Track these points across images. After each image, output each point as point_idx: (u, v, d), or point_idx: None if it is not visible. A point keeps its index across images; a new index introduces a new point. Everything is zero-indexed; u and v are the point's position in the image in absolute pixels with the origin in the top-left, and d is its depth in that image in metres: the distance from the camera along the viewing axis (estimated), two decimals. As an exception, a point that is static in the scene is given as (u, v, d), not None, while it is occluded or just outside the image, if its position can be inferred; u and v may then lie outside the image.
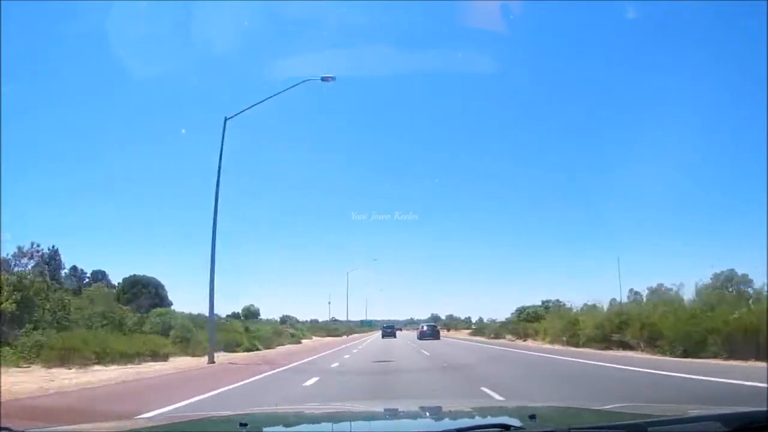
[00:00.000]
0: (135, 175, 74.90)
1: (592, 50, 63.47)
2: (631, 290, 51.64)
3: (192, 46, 51.62)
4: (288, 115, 72.81)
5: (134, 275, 57.79)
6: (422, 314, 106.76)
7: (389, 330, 60.24)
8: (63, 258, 53.37)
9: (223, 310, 52.42)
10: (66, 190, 65.30)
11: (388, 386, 10.76)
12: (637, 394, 7.82)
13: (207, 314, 39.83)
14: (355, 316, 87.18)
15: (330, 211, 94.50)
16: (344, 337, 63.97)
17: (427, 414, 3.39)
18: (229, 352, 26.81)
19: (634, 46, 63.21)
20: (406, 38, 58.62)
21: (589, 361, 14.83)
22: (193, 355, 24.29)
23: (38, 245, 39.35)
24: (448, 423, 2.82)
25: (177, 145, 72.38)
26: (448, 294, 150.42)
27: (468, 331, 70.10)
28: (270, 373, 13.35)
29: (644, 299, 49.55)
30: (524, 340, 34.56)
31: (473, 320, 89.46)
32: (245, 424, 2.40)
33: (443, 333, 64.08)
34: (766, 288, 20.61)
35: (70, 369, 16.89)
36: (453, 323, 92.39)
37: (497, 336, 41.05)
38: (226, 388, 10.26)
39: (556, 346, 25.99)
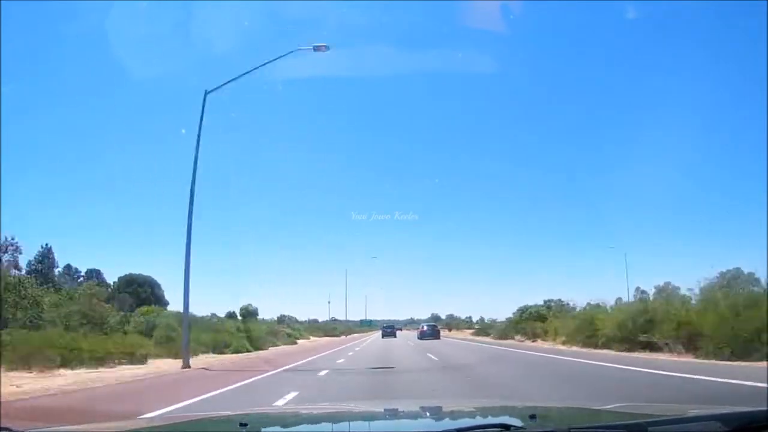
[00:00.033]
0: (135, 175, 75.37)
1: (592, 50, 64.31)
2: (637, 289, 50.58)
3: (192, 46, 51.74)
4: (288, 115, 73.49)
5: (130, 274, 58.50)
6: (422, 314, 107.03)
7: (389, 330, 59.69)
8: (61, 257, 53.66)
9: (223, 309, 53.77)
10: (65, 190, 65.77)
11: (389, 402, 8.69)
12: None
13: (206, 314, 37.90)
14: (355, 316, 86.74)
15: (330, 211, 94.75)
16: (343, 337, 62.14)
17: (427, 414, 3.37)
18: (217, 353, 24.82)
19: (634, 46, 63.80)
20: (406, 38, 58.71)
21: (633, 368, 12.29)
22: (176, 357, 22.33)
23: (13, 239, 37.69)
24: (448, 423, 2.82)
25: (177, 145, 70.71)
26: (448, 294, 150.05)
27: (470, 331, 68.79)
28: (244, 382, 11.24)
29: (651, 298, 49.42)
30: (533, 341, 32.48)
31: (474, 320, 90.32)
32: (245, 424, 2.39)
33: (444, 333, 63.68)
34: (766, 288, 20.03)
35: (31, 372, 15.10)
36: (454, 323, 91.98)
37: (504, 336, 38.90)
38: (179, 405, 8.07)
39: (573, 348, 23.91)
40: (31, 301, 23.44)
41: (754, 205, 61.72)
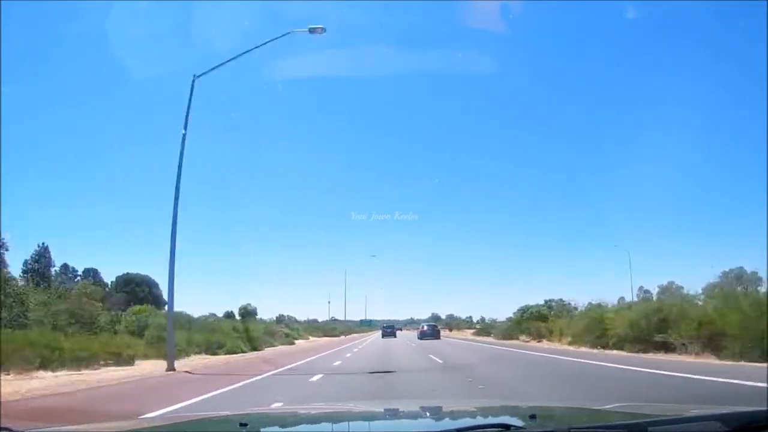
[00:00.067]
0: (135, 175, 75.43)
1: (592, 50, 64.57)
2: (641, 288, 50.35)
3: (192, 46, 50.97)
4: (288, 115, 73.53)
5: (127, 273, 58.29)
6: (422, 314, 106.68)
7: (389, 330, 59.24)
8: (61, 257, 53.80)
9: (223, 309, 53.77)
10: (65, 189, 66.00)
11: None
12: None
13: (204, 314, 36.79)
14: (355, 316, 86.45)
15: (330, 211, 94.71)
16: (342, 337, 61.12)
17: (428, 414, 3.35)
18: (211, 354, 23.80)
19: (634, 46, 63.81)
20: (406, 38, 59.12)
21: (662, 371, 11.09)
22: (167, 358, 21.37)
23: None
24: (448, 423, 2.81)
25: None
26: (448, 294, 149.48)
27: (471, 331, 67.96)
28: (224, 390, 10.12)
29: (654, 297, 48.70)
30: (538, 341, 31.43)
31: (474, 320, 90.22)
32: (245, 424, 2.39)
33: (445, 333, 63.49)
34: (766, 287, 20.42)
35: (9, 375, 14.11)
36: (454, 323, 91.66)
37: (508, 336, 37.82)
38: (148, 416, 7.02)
39: (581, 348, 22.85)
40: (15, 300, 22.48)
41: (754, 205, 62.83)
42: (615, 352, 20.12)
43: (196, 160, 66.43)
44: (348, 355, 22.89)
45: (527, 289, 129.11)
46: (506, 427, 2.04)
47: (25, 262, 50.98)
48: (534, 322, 35.96)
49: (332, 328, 72.53)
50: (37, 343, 16.04)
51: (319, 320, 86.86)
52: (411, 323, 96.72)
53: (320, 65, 39.21)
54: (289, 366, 16.51)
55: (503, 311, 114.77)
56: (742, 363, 12.66)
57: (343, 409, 3.96)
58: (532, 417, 2.45)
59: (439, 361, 17.25)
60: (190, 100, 15.31)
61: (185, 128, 15.15)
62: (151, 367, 16.22)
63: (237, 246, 78.51)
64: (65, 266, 56.54)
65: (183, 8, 46.65)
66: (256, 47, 16.16)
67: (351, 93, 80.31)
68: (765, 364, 11.93)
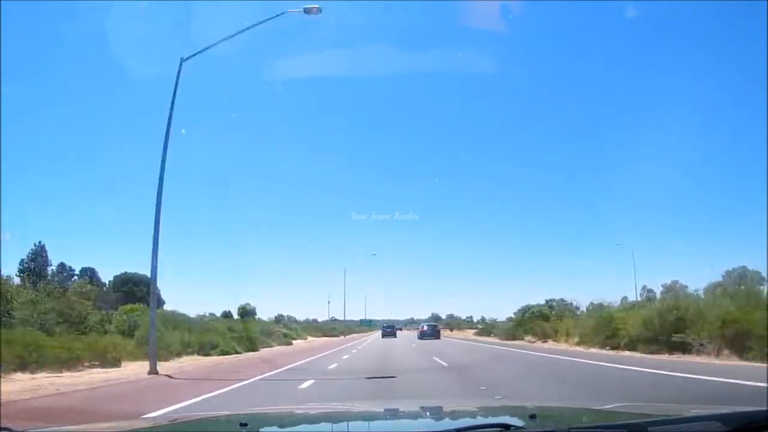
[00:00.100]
0: (135, 175, 72.25)
1: (592, 50, 63.64)
2: (644, 287, 50.02)
3: (192, 46, 50.20)
4: (288, 115, 72.14)
5: (125, 273, 57.28)
6: (422, 314, 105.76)
7: (389, 330, 58.76)
8: (61, 256, 55.09)
9: (223, 309, 53.50)
10: (65, 189, 65.12)
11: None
12: None
13: (201, 313, 35.69)
14: (355, 316, 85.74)
15: (330, 211, 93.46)
16: (341, 337, 60.13)
17: (428, 414, 3.34)
18: (203, 355, 22.82)
19: (634, 46, 63.43)
20: (406, 38, 58.53)
21: (694, 376, 10.08)
22: (158, 359, 20.34)
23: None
24: (448, 423, 2.81)
25: (177, 145, 68.87)
26: (448, 294, 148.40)
27: (473, 331, 67.08)
28: (203, 397, 9.06)
29: (658, 296, 48.05)
30: (544, 342, 30.41)
31: (474, 320, 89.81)
32: (245, 424, 2.40)
33: (446, 333, 63.35)
34: (766, 287, 19.94)
35: (-15, 377, 13.12)
36: (455, 323, 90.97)
37: (512, 336, 36.79)
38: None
39: (591, 350, 21.84)
40: (1, 298, 21.54)
41: (754, 205, 62.26)
42: (628, 353, 19.14)
43: (196, 160, 67.30)
44: (345, 356, 21.74)
45: (527, 289, 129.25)
46: (506, 427, 2.04)
47: (21, 261, 50.53)
48: (539, 322, 34.94)
49: (332, 328, 71.85)
50: (17, 343, 15.07)
51: (319, 320, 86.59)
52: (411, 323, 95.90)
53: (320, 65, 38.83)
54: (279, 369, 15.40)
55: (503, 311, 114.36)
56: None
57: (342, 409, 3.97)
58: (532, 417, 2.45)
59: (444, 363, 16.03)
60: (176, 83, 14.40)
61: (171, 111, 14.21)
62: (135, 370, 15.24)
63: (237, 246, 77.61)
64: (62, 265, 55.54)
65: (183, 8, 45.98)
66: (248, 27, 15.13)
67: (351, 93, 78.95)
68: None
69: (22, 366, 14.46)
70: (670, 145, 54.60)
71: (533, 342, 30.82)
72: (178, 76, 14.36)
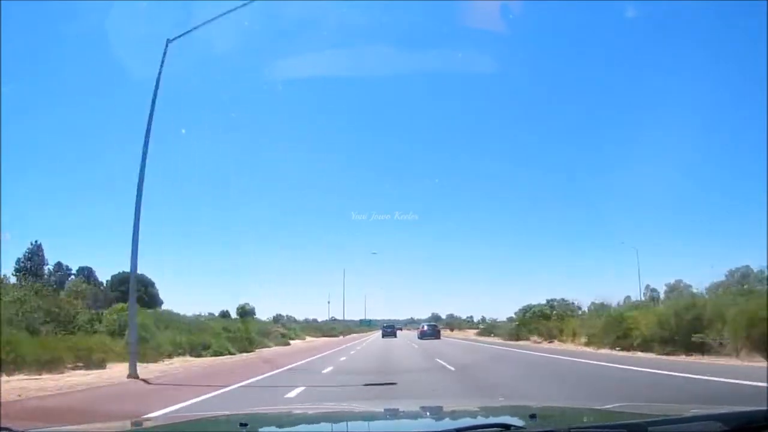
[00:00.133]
0: (135, 175, 72.34)
1: (592, 50, 63.24)
2: (647, 287, 49.56)
3: (192, 46, 50.29)
4: (288, 115, 71.87)
5: (123, 272, 56.10)
6: (422, 314, 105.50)
7: (389, 330, 58.44)
8: (60, 256, 55.23)
9: (223, 309, 53.41)
10: (65, 189, 65.28)
11: None
12: None
13: (200, 313, 34.50)
14: (355, 316, 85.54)
15: (330, 211, 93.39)
16: (340, 337, 59.13)
17: (428, 414, 3.34)
18: (195, 356, 21.82)
19: (634, 46, 62.89)
20: (406, 38, 58.32)
21: (735, 381, 9.17)
22: (146, 360, 19.39)
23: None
24: (448, 423, 2.80)
25: (177, 145, 70.35)
26: (448, 294, 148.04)
27: (474, 331, 66.26)
28: (182, 405, 8.05)
29: (662, 296, 47.37)
30: (550, 342, 29.40)
31: (474, 319, 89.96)
32: (245, 424, 2.39)
33: (446, 333, 63.21)
34: (766, 287, 19.47)
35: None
36: (456, 323, 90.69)
37: (516, 337, 35.76)
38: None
39: (602, 350, 20.83)
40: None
41: (754, 205, 62.11)
42: (642, 354, 18.16)
43: (196, 160, 67.64)
44: (342, 358, 20.49)
45: (527, 288, 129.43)
46: (506, 426, 2.03)
47: (18, 261, 50.22)
48: (543, 321, 33.96)
49: (331, 328, 71.07)
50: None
51: (319, 320, 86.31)
52: (411, 323, 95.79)
53: (320, 65, 38.53)
54: (269, 373, 14.12)
55: (503, 311, 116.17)
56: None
57: (342, 409, 3.93)
58: (532, 417, 2.45)
59: (450, 368, 14.53)
60: (161, 65, 13.47)
61: (155, 95, 13.25)
62: (118, 372, 14.26)
63: (237, 246, 79.05)
64: (59, 264, 55.91)
65: (183, 8, 45.93)
66: (236, 7, 13.99)
67: (351, 93, 78.41)
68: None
69: (-1, 368, 13.54)
70: (670, 145, 54.62)
71: (539, 342, 29.74)
72: (163, 59, 13.40)
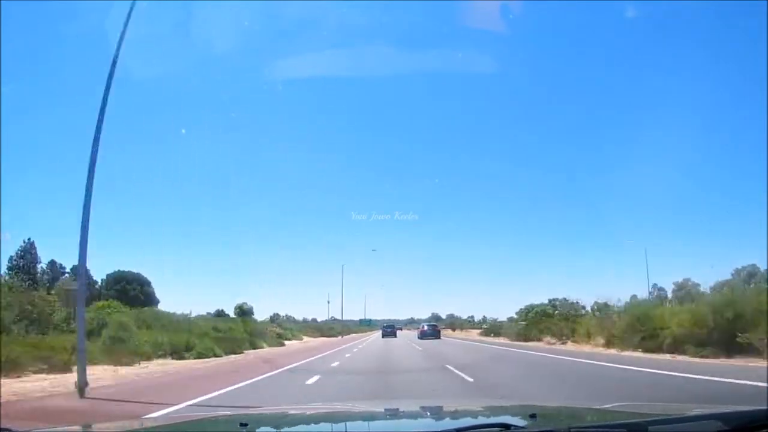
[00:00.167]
0: (135, 175, 74.94)
1: (592, 50, 63.26)
2: (654, 286, 48.93)
3: (192, 46, 50.40)
4: (288, 115, 71.76)
5: (119, 271, 56.43)
6: (422, 314, 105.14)
7: (389, 329, 57.79)
8: (60, 256, 52.65)
9: (224, 310, 52.76)
10: (65, 190, 62.86)
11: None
12: None
13: (194, 312, 32.53)
14: (355, 316, 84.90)
15: (330, 211, 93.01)
16: (339, 337, 57.22)
17: (428, 414, 3.33)
18: (177, 358, 19.87)
19: (634, 46, 63.55)
20: (406, 38, 58.16)
21: None
22: (120, 363, 17.45)
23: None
24: (448, 423, 2.80)
25: (177, 145, 72.11)
26: (449, 294, 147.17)
27: (477, 331, 64.49)
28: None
29: (669, 295, 46.12)
30: (563, 343, 27.35)
31: (476, 319, 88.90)
32: (245, 424, 2.39)
33: (447, 333, 62.92)
34: (766, 287, 18.81)
35: None
36: (457, 323, 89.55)
37: (526, 338, 33.70)
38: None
39: (627, 353, 18.78)
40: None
41: (754, 205, 62.51)
42: (673, 356, 16.21)
43: (196, 160, 67.49)
44: (335, 363, 17.96)
45: (527, 288, 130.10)
46: (506, 426, 2.03)
47: (10, 259, 49.42)
48: (555, 321, 31.94)
49: (330, 328, 69.66)
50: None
51: (319, 320, 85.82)
52: (411, 323, 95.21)
53: (320, 65, 38.31)
54: (247, 381, 12.01)
55: (504, 311, 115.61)
56: None
57: (343, 409, 3.92)
58: (533, 416, 2.44)
59: (469, 379, 11.45)
60: (126, 23, 11.54)
61: (116, 55, 11.34)
62: (65, 381, 12.25)
63: (237, 246, 79.30)
64: (52, 262, 54.73)
65: (183, 8, 45.56)
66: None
67: (351, 93, 78.43)
68: None
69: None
70: (670, 145, 54.85)
71: (553, 344, 27.56)
72: (128, 18, 11.51)
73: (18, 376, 13.23)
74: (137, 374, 14.73)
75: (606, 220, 76.89)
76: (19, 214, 56.81)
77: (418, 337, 43.94)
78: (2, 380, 11.75)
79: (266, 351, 28.60)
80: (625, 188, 69.79)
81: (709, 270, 52.17)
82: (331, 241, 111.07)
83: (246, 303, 58.03)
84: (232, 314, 51.10)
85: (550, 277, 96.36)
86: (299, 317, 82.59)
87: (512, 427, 2.02)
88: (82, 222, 10.55)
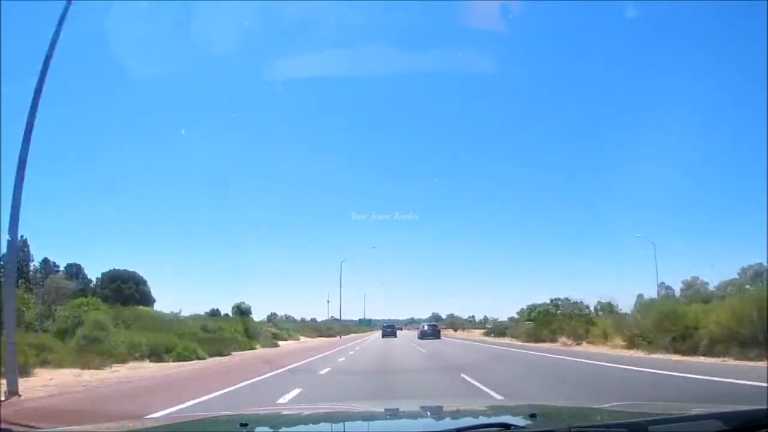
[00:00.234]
0: (135, 175, 74.83)
1: (592, 50, 62.58)
2: (662, 284, 48.07)
3: (192, 46, 50.06)
4: (288, 115, 71.00)
5: (114, 269, 55.39)
6: (423, 314, 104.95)
7: (389, 329, 57.45)
8: (60, 256, 53.76)
9: (223, 309, 52.03)
10: (66, 189, 63.89)
11: None
12: None
13: (183, 312, 30.65)
14: (355, 316, 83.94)
15: (330, 211, 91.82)
16: (338, 338, 55.44)
17: (428, 414, 3.30)
18: (154, 360, 17.98)
19: (634, 46, 62.00)
20: (406, 38, 57.42)
21: None
22: (90, 366, 15.59)
23: None
24: (448, 423, 2.79)
25: (177, 145, 71.02)
26: (449, 294, 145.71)
27: (481, 331, 63.05)
28: None
29: (677, 293, 44.67)
30: (578, 344, 25.42)
31: (476, 319, 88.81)
32: (245, 424, 2.39)
33: (448, 333, 62.76)
34: (766, 287, 18.33)
35: None
36: (458, 323, 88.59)
37: (533, 338, 31.77)
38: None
39: (657, 355, 16.82)
40: None
41: (755, 205, 61.68)
42: (710, 359, 14.37)
43: (196, 160, 65.64)
44: (326, 370, 15.36)
45: (528, 288, 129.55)
46: (506, 426, 2.02)
47: (2, 257, 47.63)
48: (567, 321, 30.02)
49: (328, 328, 68.16)
50: None
51: (319, 320, 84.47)
52: (411, 323, 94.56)
53: (320, 65, 37.83)
54: (215, 393, 9.84)
55: (504, 311, 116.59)
56: None
57: (343, 409, 3.90)
58: (533, 416, 2.43)
59: (497, 395, 8.69)
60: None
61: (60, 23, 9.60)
62: (33, 383, 10.42)
63: (237, 246, 76.99)
64: (45, 261, 53.85)
65: (183, 8, 45.24)
66: None
67: (351, 93, 76.97)
68: None
69: None
70: (670, 145, 54.01)
71: (570, 345, 25.50)
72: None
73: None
74: (92, 381, 12.64)
75: (606, 219, 75.83)
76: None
77: (418, 337, 43.53)
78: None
79: (256, 353, 26.62)
80: (626, 188, 69.08)
81: (710, 270, 51.12)
82: (331, 241, 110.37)
83: (244, 302, 55.99)
84: (230, 314, 49.85)
85: (550, 277, 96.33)
86: (299, 317, 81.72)
87: (512, 427, 2.01)
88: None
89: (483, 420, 2.74)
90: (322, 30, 53.47)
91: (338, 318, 70.61)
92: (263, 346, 31.30)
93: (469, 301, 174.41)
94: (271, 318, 69.30)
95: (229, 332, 27.34)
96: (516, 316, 55.47)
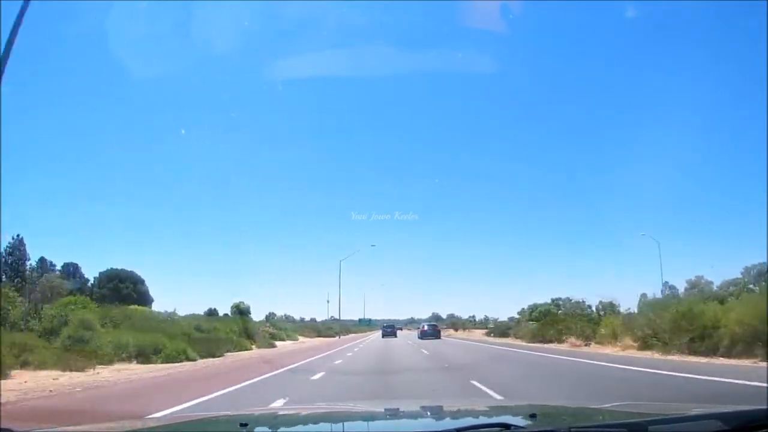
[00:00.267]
0: (134, 174, 74.71)
1: (592, 50, 63.09)
2: (665, 283, 47.61)
3: (192, 46, 51.08)
4: (288, 115, 71.23)
5: (111, 269, 54.99)
6: (423, 314, 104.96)
7: (389, 329, 57.51)
8: (59, 255, 54.21)
9: (222, 309, 51.78)
10: (65, 189, 64.73)
11: None
12: None
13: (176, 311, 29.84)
14: (355, 316, 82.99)
15: (330, 211, 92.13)
16: (337, 338, 54.62)
17: (428, 413, 3.31)
18: (141, 362, 17.07)
19: (634, 46, 62.34)
20: (406, 38, 57.93)
21: None
22: (71, 368, 14.68)
23: None
24: (448, 422, 2.78)
25: (177, 145, 70.89)
26: (449, 294, 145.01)
27: (482, 331, 62.22)
28: None
29: (681, 293, 44.05)
30: (587, 345, 24.51)
31: (477, 319, 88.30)
32: (245, 424, 2.39)
33: (449, 333, 62.89)
34: (766, 287, 18.46)
35: None
36: (459, 323, 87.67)
37: (539, 338, 30.84)
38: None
39: (672, 357, 15.90)
40: None
41: (755, 205, 62.67)
42: (733, 361, 13.49)
43: (196, 160, 65.38)
44: (316, 376, 13.61)
45: (528, 288, 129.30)
46: (507, 426, 2.02)
47: None
48: (575, 320, 29.15)
49: (328, 328, 67.33)
50: None
51: (318, 320, 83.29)
52: (411, 323, 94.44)
53: (320, 65, 38.28)
54: (189, 402, 8.72)
55: (504, 311, 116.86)
56: None
57: (343, 409, 3.87)
58: (533, 416, 2.43)
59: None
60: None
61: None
62: (10, 385, 9.51)
63: (237, 246, 76.77)
64: (42, 260, 53.07)
65: (183, 8, 46.20)
66: None
67: (351, 93, 76.41)
68: None
69: None
70: (670, 145, 55.22)
71: (579, 346, 24.51)
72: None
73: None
74: (65, 386, 11.57)
75: (606, 219, 76.05)
76: (19, 214, 55.99)
77: (418, 337, 43.47)
78: None
79: (250, 354, 25.69)
80: (626, 188, 69.80)
81: (710, 270, 50.75)
82: (331, 241, 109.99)
83: (243, 302, 55.20)
84: (229, 314, 49.24)
85: (550, 277, 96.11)
86: (298, 317, 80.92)
87: (512, 427, 2.01)
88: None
89: (483, 420, 2.75)
90: (322, 30, 53.74)
91: (338, 318, 70.09)
92: (260, 347, 30.40)
93: (470, 301, 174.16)
94: (270, 318, 68.67)
95: (225, 332, 26.44)
96: (517, 316, 55.56)
